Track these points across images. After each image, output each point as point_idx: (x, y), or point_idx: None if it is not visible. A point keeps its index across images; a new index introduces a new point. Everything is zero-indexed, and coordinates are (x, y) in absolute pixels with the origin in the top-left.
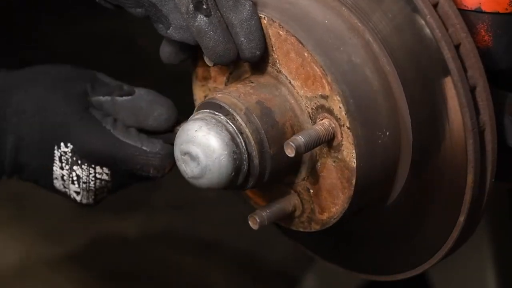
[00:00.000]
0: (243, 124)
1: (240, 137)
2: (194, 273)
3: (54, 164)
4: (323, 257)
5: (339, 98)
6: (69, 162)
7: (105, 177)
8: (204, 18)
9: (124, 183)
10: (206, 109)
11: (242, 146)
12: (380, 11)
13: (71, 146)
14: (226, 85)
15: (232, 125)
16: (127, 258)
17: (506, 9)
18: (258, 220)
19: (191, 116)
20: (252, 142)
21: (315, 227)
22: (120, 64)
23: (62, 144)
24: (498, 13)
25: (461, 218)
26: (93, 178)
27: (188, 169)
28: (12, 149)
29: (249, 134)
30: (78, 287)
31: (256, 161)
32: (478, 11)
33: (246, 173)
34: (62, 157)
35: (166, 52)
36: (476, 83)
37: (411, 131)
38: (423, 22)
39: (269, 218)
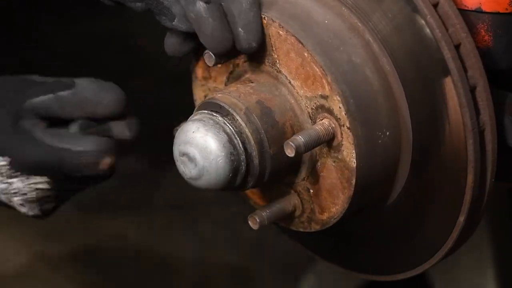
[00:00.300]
0: (243, 124)
1: (238, 138)
2: (194, 273)
3: None
4: (323, 257)
5: (339, 98)
6: (6, 175)
7: (45, 185)
8: (204, 4)
9: (70, 189)
10: (205, 109)
11: (240, 147)
12: (380, 11)
13: (8, 159)
14: (226, 85)
15: (230, 126)
16: (127, 258)
17: (506, 9)
18: (258, 220)
19: (190, 117)
20: (252, 142)
21: (315, 227)
22: (119, 64)
23: None
24: (498, 13)
25: (461, 218)
26: (32, 189)
27: (186, 170)
28: None
29: (249, 134)
30: (78, 287)
31: (256, 161)
32: (478, 11)
33: (244, 174)
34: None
35: (170, 44)
36: (476, 83)
37: (411, 131)
38: (423, 22)
39: (269, 218)
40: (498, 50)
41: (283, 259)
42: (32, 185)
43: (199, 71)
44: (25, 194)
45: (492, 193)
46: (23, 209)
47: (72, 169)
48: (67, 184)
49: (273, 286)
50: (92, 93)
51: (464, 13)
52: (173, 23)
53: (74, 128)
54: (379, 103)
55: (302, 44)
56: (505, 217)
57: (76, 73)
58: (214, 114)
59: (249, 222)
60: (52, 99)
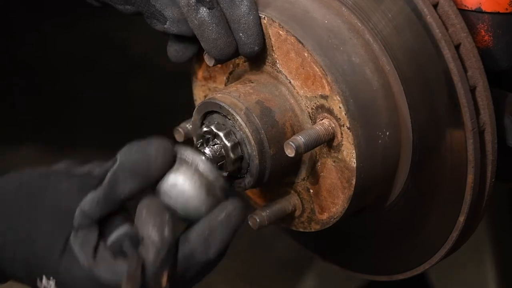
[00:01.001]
0: (243, 124)
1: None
2: None
3: None
4: (323, 257)
5: (339, 98)
6: None
7: None
8: (207, 11)
9: None
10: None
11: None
12: (380, 11)
13: (54, 280)
14: (226, 85)
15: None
16: None
17: (506, 9)
18: (258, 220)
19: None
20: (252, 142)
21: (315, 227)
22: (119, 64)
23: (44, 276)
24: (498, 13)
25: (461, 218)
26: None
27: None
28: None
29: (249, 134)
30: None
31: (256, 161)
32: (478, 11)
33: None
34: None
35: (173, 51)
36: (476, 83)
37: (411, 131)
38: (423, 22)
39: (269, 218)
40: (498, 50)
41: (283, 259)
42: None
43: (199, 72)
44: None
45: (492, 193)
46: None
47: None
48: None
49: (273, 286)
50: (134, 149)
51: (464, 13)
52: (165, 26)
53: (113, 238)
54: (379, 103)
55: (302, 44)
56: (505, 217)
57: (76, 73)
58: (183, 153)
59: (249, 222)
60: (100, 193)
